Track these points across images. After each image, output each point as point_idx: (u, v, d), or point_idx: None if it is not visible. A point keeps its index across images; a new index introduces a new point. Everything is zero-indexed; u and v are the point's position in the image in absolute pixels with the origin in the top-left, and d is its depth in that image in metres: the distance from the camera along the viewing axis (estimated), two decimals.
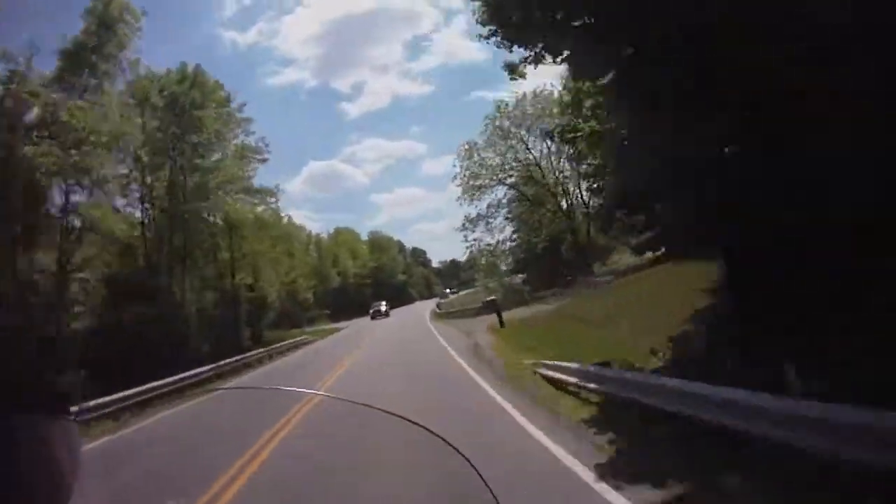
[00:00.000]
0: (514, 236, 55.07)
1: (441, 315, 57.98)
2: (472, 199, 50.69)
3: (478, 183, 50.08)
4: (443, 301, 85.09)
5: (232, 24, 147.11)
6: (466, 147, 51.22)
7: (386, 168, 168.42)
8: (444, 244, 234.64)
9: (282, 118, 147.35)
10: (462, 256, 76.56)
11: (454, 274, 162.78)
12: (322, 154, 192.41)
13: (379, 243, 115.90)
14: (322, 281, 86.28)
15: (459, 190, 50.71)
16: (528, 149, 49.72)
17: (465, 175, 50.49)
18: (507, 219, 53.47)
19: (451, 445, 1.76)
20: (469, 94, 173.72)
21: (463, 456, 1.76)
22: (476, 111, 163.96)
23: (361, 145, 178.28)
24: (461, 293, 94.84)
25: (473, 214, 53.51)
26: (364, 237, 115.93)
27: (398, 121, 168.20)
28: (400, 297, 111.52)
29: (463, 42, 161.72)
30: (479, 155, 49.87)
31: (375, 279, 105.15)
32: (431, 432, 1.82)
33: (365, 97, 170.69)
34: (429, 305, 79.87)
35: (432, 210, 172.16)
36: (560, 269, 47.34)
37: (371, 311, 71.94)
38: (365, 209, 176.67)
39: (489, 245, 54.04)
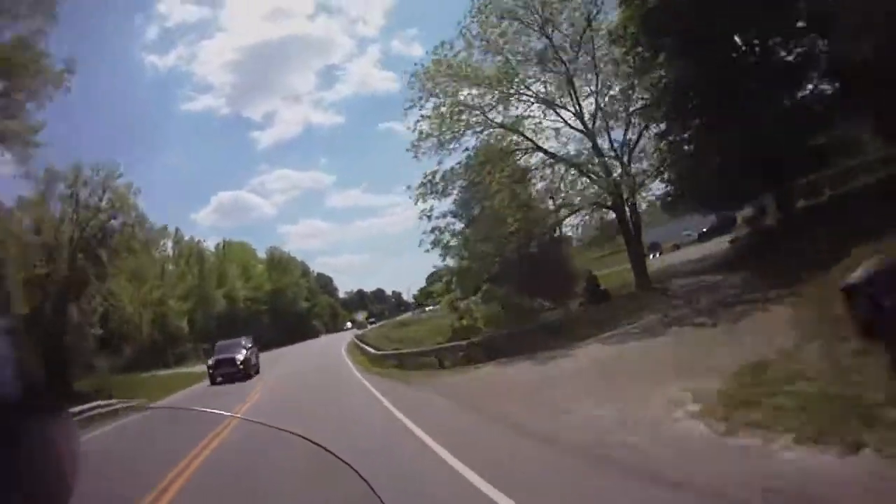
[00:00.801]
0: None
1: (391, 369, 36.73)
2: (442, 148, 27.96)
3: (457, 123, 27.55)
4: (360, 332, 66.84)
5: (154, 47, 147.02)
6: (434, 61, 28.59)
7: (293, 199, 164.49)
8: (348, 277, 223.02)
9: (195, 146, 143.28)
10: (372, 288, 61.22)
11: (361, 305, 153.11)
12: (231, 184, 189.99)
13: (279, 263, 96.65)
14: (202, 303, 67.01)
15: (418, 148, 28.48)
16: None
17: (433, 117, 28.08)
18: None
19: (353, 468, 1.94)
20: (377, 126, 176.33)
21: (365, 480, 1.89)
22: (384, 143, 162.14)
23: (271, 175, 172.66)
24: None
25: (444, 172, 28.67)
26: (262, 255, 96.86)
27: (308, 151, 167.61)
28: (302, 329, 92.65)
29: (375, 71, 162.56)
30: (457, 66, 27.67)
31: (273, 305, 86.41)
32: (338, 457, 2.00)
33: (276, 126, 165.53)
34: (340, 342, 61.18)
35: (336, 243, 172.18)
36: (561, 276, 30.29)
37: (211, 365, 35.65)
38: (271, 241, 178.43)
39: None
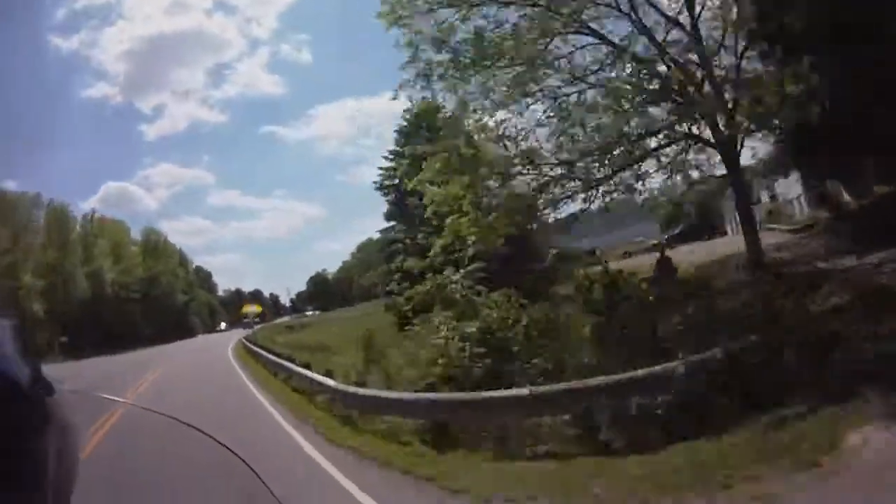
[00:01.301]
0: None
1: None
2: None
3: None
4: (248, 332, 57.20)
5: (59, 28, 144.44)
6: None
7: (175, 195, 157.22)
8: (225, 277, 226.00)
9: (88, 133, 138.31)
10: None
11: (239, 306, 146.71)
12: (119, 175, 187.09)
13: (156, 247, 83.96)
14: (63, 284, 54.86)
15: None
16: None
17: None
18: None
19: (230, 450, 2.04)
20: (260, 128, 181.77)
21: (244, 461, 2.03)
22: (265, 145, 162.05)
23: (156, 169, 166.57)
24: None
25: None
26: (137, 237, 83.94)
27: (192, 148, 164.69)
28: (178, 325, 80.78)
29: (262, 74, 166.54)
30: None
31: (146, 294, 74.14)
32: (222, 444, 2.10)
33: (164, 120, 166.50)
34: (223, 345, 51.25)
35: (214, 242, 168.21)
36: None
37: None
38: None
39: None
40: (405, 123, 47.20)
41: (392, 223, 51.07)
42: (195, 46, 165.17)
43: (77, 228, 63.53)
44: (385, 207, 52.66)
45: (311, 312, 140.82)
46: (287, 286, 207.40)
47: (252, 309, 45.84)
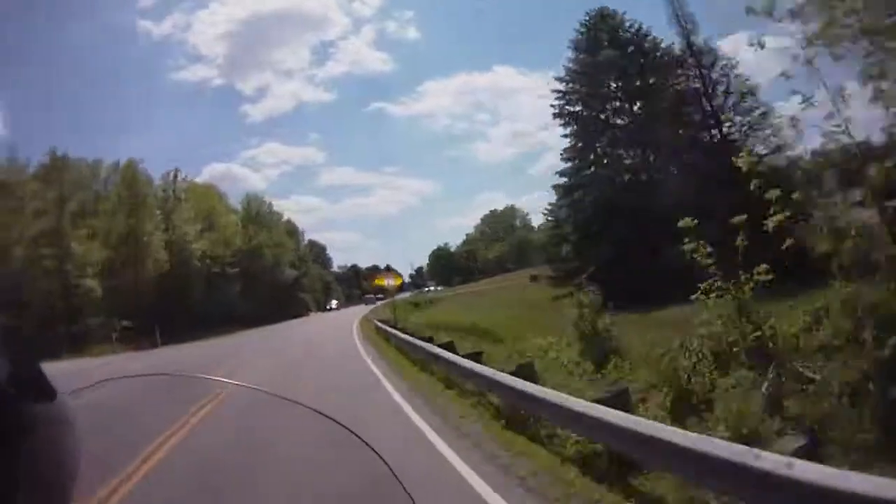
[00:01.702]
0: None
1: None
2: None
3: None
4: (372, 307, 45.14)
5: (148, 13, 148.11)
6: None
7: (284, 174, 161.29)
8: (340, 254, 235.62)
9: (187, 116, 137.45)
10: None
11: (355, 283, 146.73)
12: (222, 156, 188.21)
13: (258, 214, 73.15)
14: (131, 257, 44.13)
15: None
16: None
17: None
18: None
19: (365, 442, 1.79)
20: (369, 105, 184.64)
21: (376, 452, 1.77)
22: (375, 123, 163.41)
23: (261, 149, 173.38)
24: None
25: None
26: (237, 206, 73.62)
27: (299, 127, 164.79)
28: (285, 303, 69.80)
29: (369, 52, 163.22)
30: None
31: (246, 269, 63.45)
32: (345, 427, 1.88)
33: (268, 100, 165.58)
34: (346, 325, 40.21)
35: (327, 220, 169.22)
36: None
37: None
38: None
39: None
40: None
41: (570, 164, 36.81)
42: (296, 25, 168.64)
43: (157, 192, 52.65)
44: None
45: (432, 288, 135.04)
46: (409, 261, 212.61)
47: (390, 282, 32.41)
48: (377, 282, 36.39)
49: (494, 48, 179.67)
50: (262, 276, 66.58)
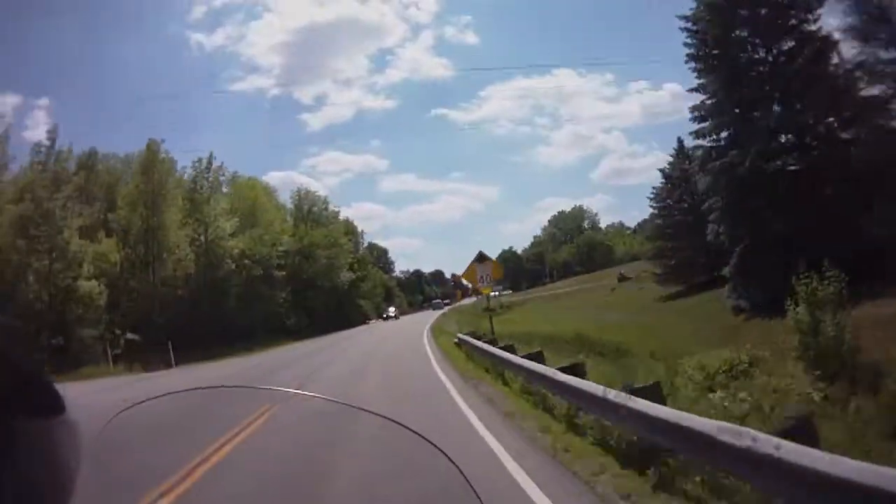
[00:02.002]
0: None
1: None
2: None
3: None
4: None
5: (200, 25, 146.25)
6: None
7: (345, 182, 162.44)
8: (403, 260, 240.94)
9: (244, 125, 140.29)
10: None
11: (418, 288, 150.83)
12: (282, 165, 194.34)
13: (311, 212, 65.05)
14: (148, 257, 36.16)
15: None
16: None
17: None
18: None
19: (436, 446, 1.76)
20: (430, 112, 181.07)
21: (447, 457, 1.72)
22: (436, 129, 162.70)
23: (321, 157, 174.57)
24: None
25: None
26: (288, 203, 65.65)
27: (359, 135, 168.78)
28: (341, 311, 61.41)
29: (427, 58, 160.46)
30: None
31: (296, 272, 55.30)
32: (418, 434, 1.78)
33: (327, 109, 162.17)
34: (414, 341, 31.30)
35: (389, 226, 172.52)
36: None
37: None
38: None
39: None
40: None
41: (705, 123, 26.83)
42: (352, 34, 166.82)
43: (186, 181, 44.66)
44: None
45: (497, 292, 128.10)
46: (517, 230, 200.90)
47: (486, 274, 22.23)
48: (466, 277, 25.83)
49: (553, 50, 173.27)
50: (316, 281, 58.16)
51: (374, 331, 48.80)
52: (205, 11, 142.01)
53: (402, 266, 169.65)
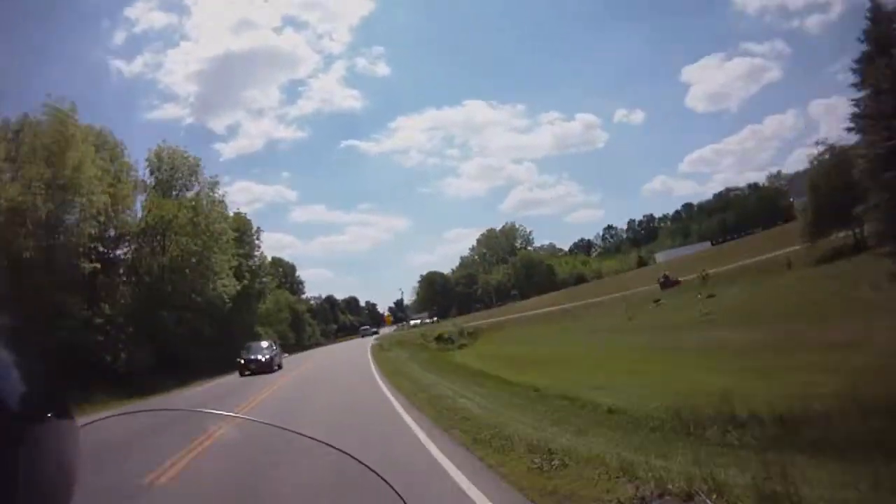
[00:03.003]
0: None
1: None
2: None
3: None
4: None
5: (120, 51, 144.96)
6: None
7: (256, 212, 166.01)
8: (314, 291, 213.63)
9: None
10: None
11: (331, 316, 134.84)
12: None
13: (173, 179, 41.09)
14: None
15: None
16: None
17: None
18: None
19: (370, 468, 1.78)
20: (340, 143, 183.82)
21: (382, 477, 1.77)
22: (346, 160, 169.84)
23: (233, 187, 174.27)
24: None
25: None
26: None
27: (270, 165, 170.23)
28: (210, 347, 37.66)
29: (339, 89, 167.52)
30: None
31: (133, 271, 31.05)
32: (357, 459, 1.85)
33: (239, 139, 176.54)
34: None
35: (300, 257, 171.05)
36: None
37: None
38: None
39: None
40: None
41: None
42: (266, 64, 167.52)
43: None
44: None
45: (419, 321, 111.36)
46: (397, 288, 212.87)
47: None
48: None
49: (464, 82, 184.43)
50: (170, 289, 34.51)
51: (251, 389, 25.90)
52: (125, 37, 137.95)
53: (312, 294, 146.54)
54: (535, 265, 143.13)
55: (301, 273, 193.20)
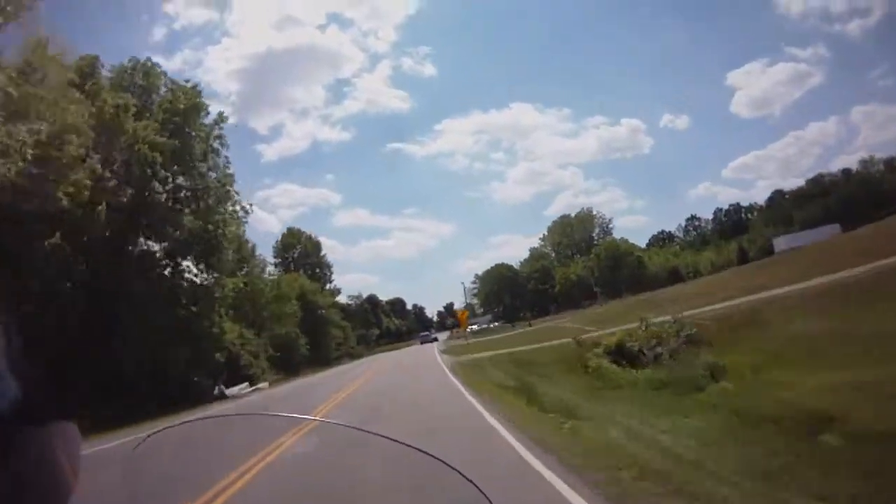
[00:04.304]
0: None
1: None
2: None
3: None
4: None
5: (159, 48, 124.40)
6: None
7: (300, 216, 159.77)
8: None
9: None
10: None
11: (370, 320, 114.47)
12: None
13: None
14: None
15: None
16: None
17: None
18: None
19: (462, 474, 1.75)
20: (385, 146, 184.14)
21: (475, 485, 1.71)
22: (391, 163, 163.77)
23: (275, 189, 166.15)
24: None
25: None
26: None
27: (314, 167, 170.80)
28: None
29: (385, 89, 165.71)
30: None
31: None
32: (446, 464, 1.80)
33: (283, 140, 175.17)
34: None
35: (343, 262, 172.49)
36: None
37: None
38: None
39: None
40: None
41: None
42: (310, 62, 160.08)
43: None
44: None
45: (476, 326, 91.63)
46: (461, 283, 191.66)
47: None
48: None
49: (512, 85, 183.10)
50: None
51: None
52: (165, 34, 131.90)
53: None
54: (623, 257, 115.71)
55: (346, 278, 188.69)
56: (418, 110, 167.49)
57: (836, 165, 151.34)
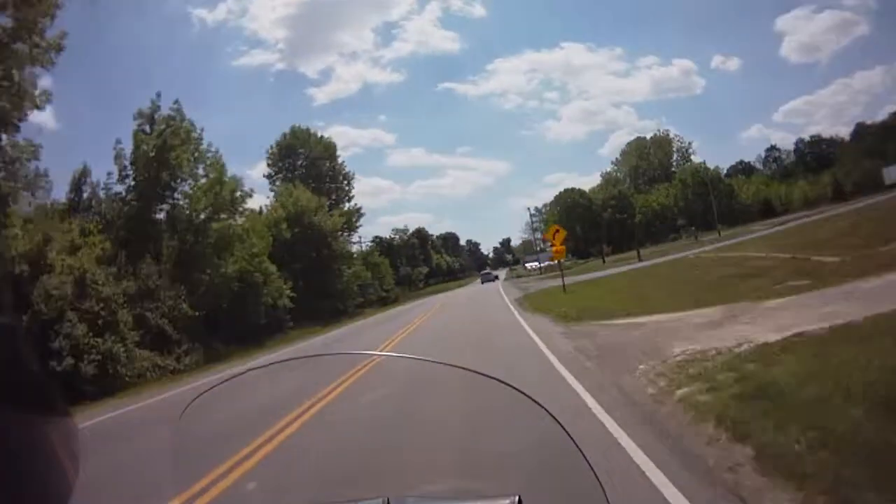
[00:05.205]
0: None
1: None
2: None
3: None
4: None
5: (200, 1, 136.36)
6: None
7: (353, 156, 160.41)
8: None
9: (248, 101, 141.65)
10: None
11: (419, 255, 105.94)
12: None
13: None
14: None
15: None
16: None
17: None
18: None
19: (537, 402, 1.72)
20: (437, 86, 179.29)
21: (550, 413, 1.71)
22: (444, 103, 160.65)
23: (329, 132, 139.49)
24: None
25: None
26: None
27: (366, 109, 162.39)
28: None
29: (434, 30, 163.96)
30: None
31: None
32: (523, 392, 1.77)
33: (333, 83, 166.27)
34: None
35: (398, 202, 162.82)
36: None
37: None
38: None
39: None
40: None
41: None
42: (357, 6, 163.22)
43: None
44: None
45: (538, 263, 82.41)
46: (527, 208, 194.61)
47: None
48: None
49: (562, 24, 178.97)
50: None
51: None
52: None
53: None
54: (713, 183, 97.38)
55: (401, 217, 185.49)
56: (469, 51, 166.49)
57: (882, 115, 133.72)
